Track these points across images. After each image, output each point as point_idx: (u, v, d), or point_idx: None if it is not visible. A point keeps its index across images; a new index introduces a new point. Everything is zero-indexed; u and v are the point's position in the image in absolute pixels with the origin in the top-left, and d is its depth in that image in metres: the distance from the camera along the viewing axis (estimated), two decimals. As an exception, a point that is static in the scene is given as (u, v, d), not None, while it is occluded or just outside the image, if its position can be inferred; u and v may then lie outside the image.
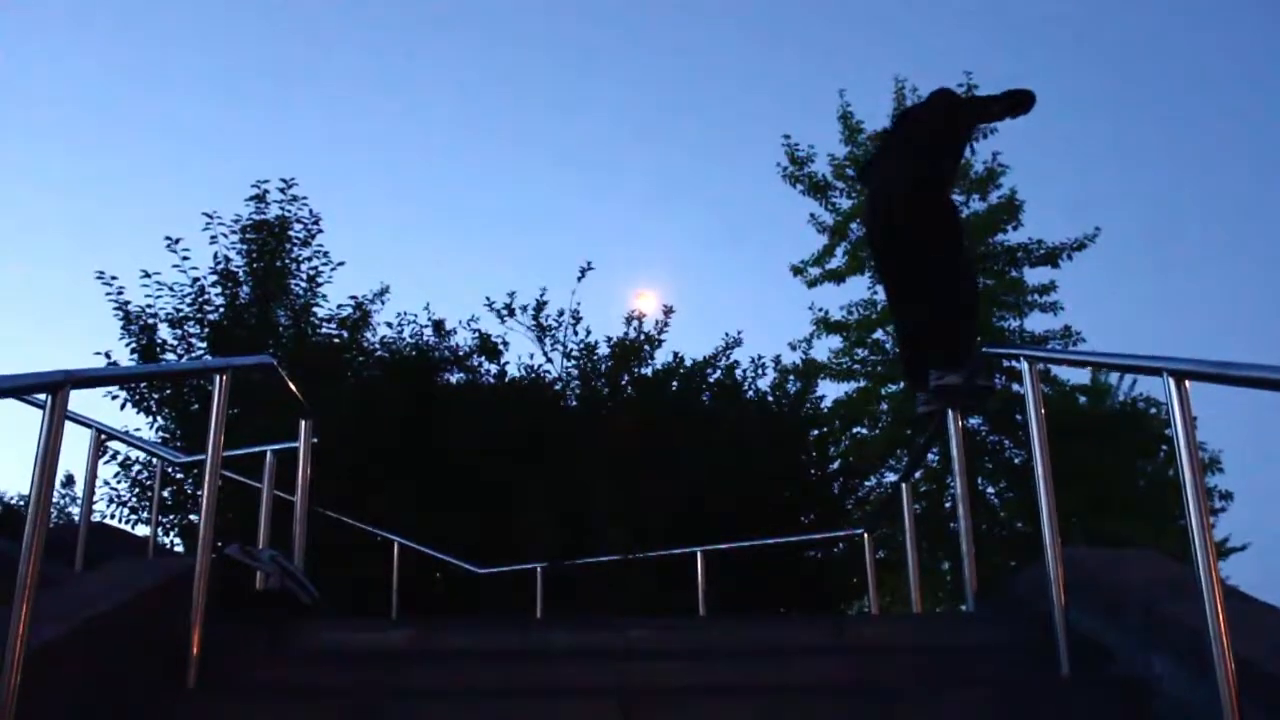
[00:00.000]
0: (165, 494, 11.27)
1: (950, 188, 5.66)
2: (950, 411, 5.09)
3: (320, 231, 13.15)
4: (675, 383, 13.33)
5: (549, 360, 13.44)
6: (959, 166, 5.76)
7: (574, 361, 13.44)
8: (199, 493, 9.38)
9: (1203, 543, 2.63)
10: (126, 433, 8.86)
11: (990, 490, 16.05)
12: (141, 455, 11.56)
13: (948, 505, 15.03)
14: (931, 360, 5.21)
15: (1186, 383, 2.75)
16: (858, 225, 16.84)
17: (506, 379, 13.27)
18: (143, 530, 11.50)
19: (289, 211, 12.99)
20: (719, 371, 13.60)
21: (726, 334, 13.72)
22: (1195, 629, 2.66)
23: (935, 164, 5.35)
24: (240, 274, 12.73)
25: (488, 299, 13.39)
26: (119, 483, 11.81)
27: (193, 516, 11.46)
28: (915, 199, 5.16)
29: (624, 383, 13.31)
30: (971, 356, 5.01)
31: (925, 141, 5.39)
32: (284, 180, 13.05)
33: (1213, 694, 2.54)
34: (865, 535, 8.28)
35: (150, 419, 11.99)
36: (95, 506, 10.55)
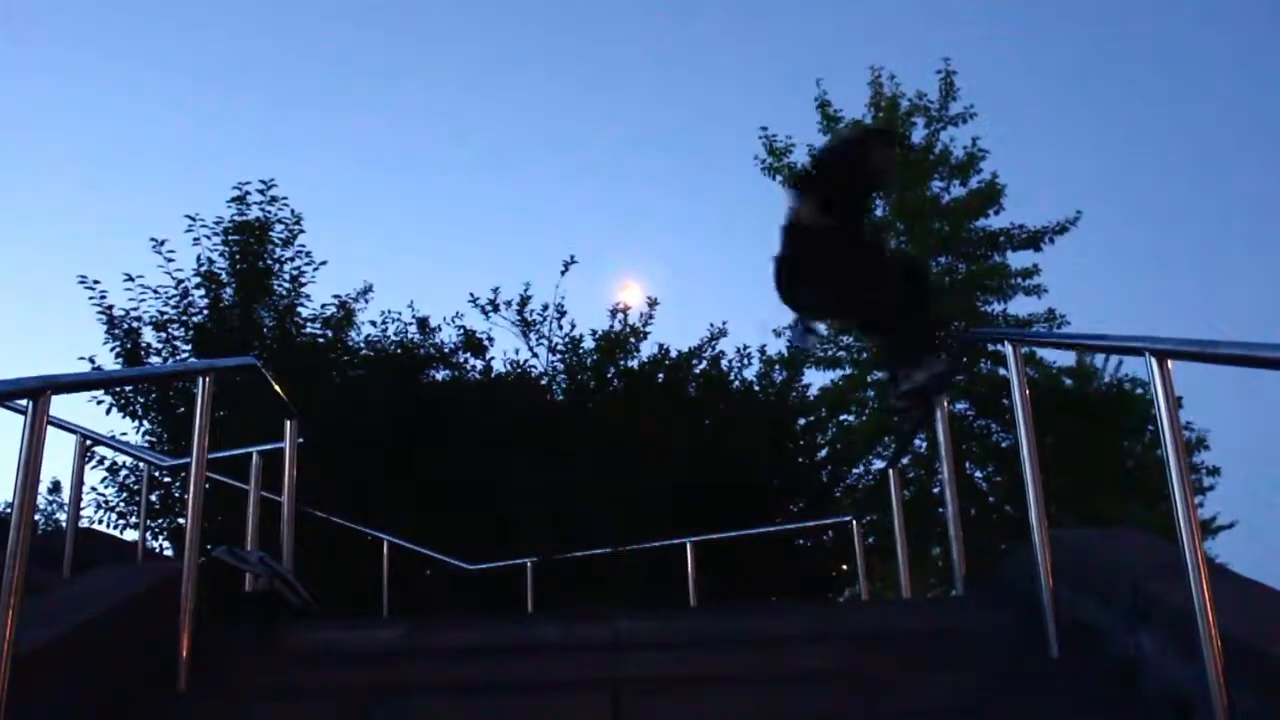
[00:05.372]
0: (153, 498, 11.21)
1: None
2: (933, 398, 5.11)
3: (302, 231, 13.07)
4: (661, 374, 13.29)
5: (534, 355, 13.42)
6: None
7: (559, 355, 13.41)
8: (187, 496, 9.34)
9: (1187, 521, 2.65)
10: (112, 437, 8.82)
11: (978, 474, 16.10)
12: (128, 460, 11.50)
13: (936, 490, 15.07)
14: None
15: (1169, 362, 2.76)
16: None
17: (492, 375, 13.24)
18: (131, 535, 11.44)
19: (270, 212, 12.93)
20: (705, 362, 13.59)
21: (711, 325, 13.67)
22: (1182, 607, 2.67)
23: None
24: (223, 276, 12.67)
25: (472, 295, 13.32)
26: (106, 488, 11.75)
27: (181, 520, 11.37)
28: None
29: (610, 375, 13.29)
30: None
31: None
32: (264, 181, 12.99)
33: (1200, 671, 2.55)
34: (854, 522, 8.31)
35: (136, 423, 11.94)
36: (83, 512, 10.52)
